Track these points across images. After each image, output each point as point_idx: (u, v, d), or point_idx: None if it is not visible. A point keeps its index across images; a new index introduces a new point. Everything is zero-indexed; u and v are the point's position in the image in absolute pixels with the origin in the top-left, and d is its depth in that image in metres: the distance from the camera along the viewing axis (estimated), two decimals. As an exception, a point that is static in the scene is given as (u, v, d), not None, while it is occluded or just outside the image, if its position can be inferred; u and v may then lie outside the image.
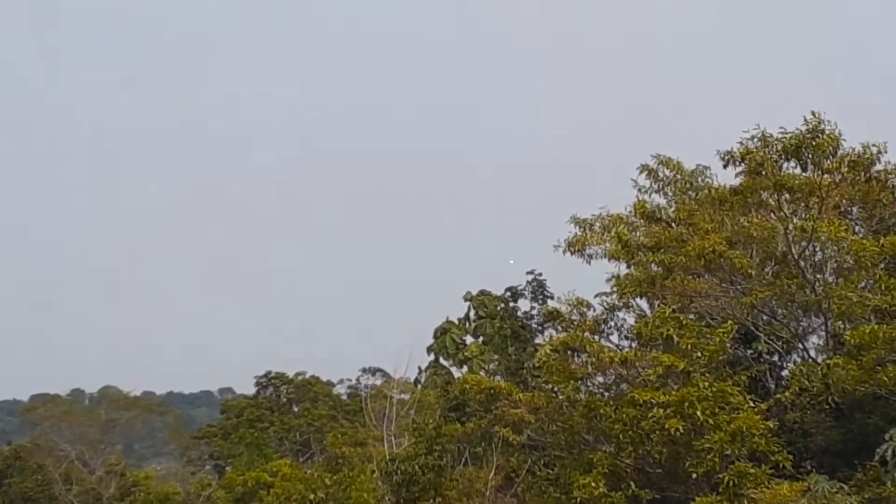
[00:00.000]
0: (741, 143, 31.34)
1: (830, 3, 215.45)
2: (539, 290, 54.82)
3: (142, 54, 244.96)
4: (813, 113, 30.50)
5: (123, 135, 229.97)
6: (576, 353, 31.09)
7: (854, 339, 27.88)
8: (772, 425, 27.11)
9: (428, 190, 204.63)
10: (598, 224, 35.78)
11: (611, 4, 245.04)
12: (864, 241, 29.92)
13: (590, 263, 35.51)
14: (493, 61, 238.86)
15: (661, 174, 36.31)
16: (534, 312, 54.08)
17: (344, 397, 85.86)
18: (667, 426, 27.03)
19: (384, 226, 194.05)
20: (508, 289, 57.66)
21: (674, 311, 29.77)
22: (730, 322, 29.38)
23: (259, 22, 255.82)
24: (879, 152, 31.71)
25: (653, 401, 27.47)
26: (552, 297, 51.34)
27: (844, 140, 30.84)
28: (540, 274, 54.75)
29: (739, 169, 32.34)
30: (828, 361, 28.73)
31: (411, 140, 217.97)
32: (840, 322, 30.23)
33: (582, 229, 35.82)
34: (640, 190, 36.14)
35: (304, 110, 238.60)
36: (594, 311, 34.32)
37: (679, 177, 36.28)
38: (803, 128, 30.55)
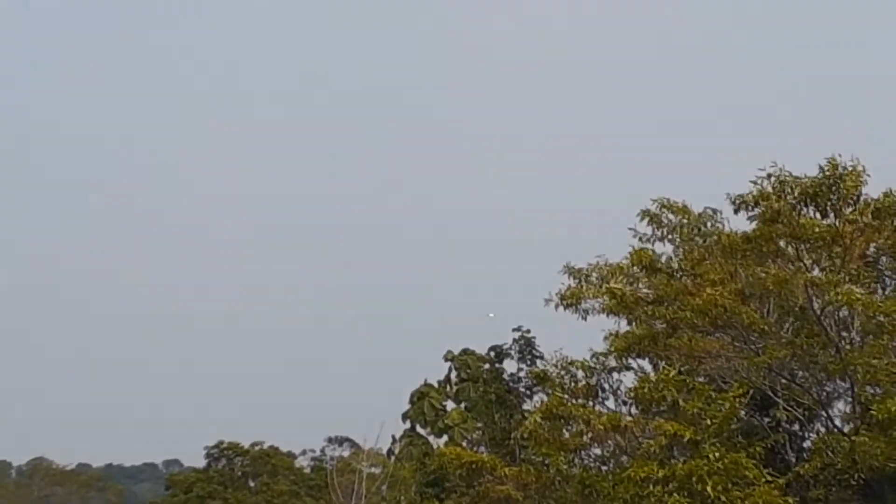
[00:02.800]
0: (756, 182, 31.27)
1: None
2: (527, 348, 54.67)
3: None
4: (829, 160, 30.62)
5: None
6: (567, 422, 30.76)
7: (881, 415, 27.71)
8: (792, 502, 26.83)
9: (403, 235, 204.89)
10: (594, 275, 35.55)
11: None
12: (883, 303, 29.75)
13: (585, 319, 35.31)
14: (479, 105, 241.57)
15: (664, 220, 36.21)
16: (521, 374, 53.89)
17: (307, 470, 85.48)
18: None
19: (354, 277, 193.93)
20: (492, 348, 57.47)
21: (680, 372, 29.52)
22: (736, 384, 29.15)
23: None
24: None
25: (650, 476, 27.17)
26: (541, 357, 51.15)
27: (869, 176, 30.90)
28: (528, 331, 54.64)
29: (753, 213, 32.23)
30: (853, 438, 28.50)
31: (385, 183, 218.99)
32: (868, 387, 30.02)
33: (577, 280, 35.61)
34: (640, 238, 36.02)
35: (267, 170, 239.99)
36: (588, 372, 34.05)
37: (686, 222, 36.18)
38: (819, 174, 30.64)
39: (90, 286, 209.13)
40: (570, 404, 30.57)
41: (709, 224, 36.22)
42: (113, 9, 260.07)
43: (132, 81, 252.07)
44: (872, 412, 28.04)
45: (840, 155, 30.55)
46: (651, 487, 26.85)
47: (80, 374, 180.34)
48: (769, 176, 31.05)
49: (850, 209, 30.89)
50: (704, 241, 35.32)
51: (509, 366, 55.83)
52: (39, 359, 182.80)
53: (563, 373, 33.44)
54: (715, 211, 36.16)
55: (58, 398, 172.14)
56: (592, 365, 33.74)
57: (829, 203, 30.71)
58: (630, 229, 35.98)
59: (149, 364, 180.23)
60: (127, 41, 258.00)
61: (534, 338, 54.40)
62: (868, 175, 30.98)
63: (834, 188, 30.52)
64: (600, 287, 34.98)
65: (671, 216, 36.20)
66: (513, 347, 55.49)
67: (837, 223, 30.62)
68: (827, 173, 30.46)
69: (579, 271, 35.66)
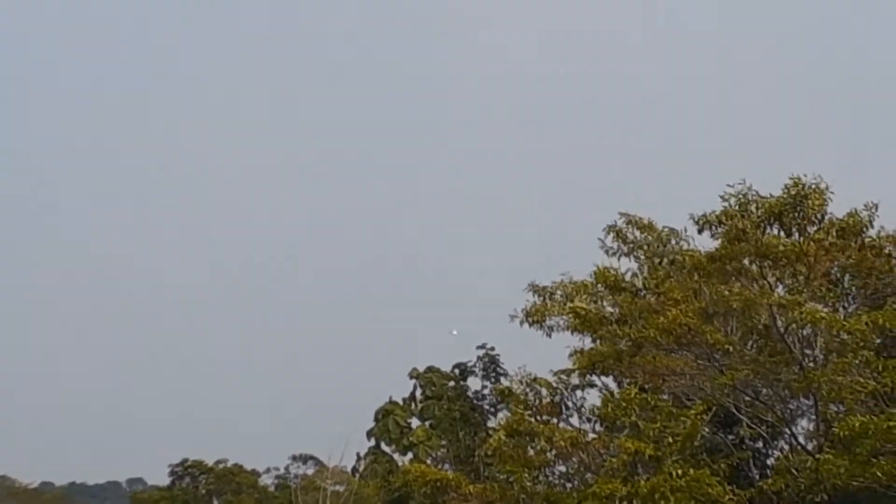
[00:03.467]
0: (723, 198, 31.49)
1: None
2: (491, 366, 54.67)
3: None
4: (793, 179, 30.81)
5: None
6: (532, 439, 30.69)
7: (843, 432, 27.77)
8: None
9: (369, 251, 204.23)
10: (559, 292, 35.57)
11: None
12: (847, 321, 29.87)
13: (550, 336, 35.31)
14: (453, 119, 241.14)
15: (629, 236, 36.30)
16: (486, 392, 53.82)
17: (271, 489, 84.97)
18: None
19: (318, 294, 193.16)
20: (457, 365, 57.44)
21: (643, 390, 29.51)
22: (698, 403, 29.19)
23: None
24: (871, 218, 31.93)
25: (616, 493, 27.15)
26: (505, 375, 51.22)
27: (833, 193, 31.17)
28: (492, 348, 54.65)
29: (717, 232, 32.36)
30: (818, 456, 28.51)
31: (349, 198, 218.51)
32: (832, 405, 30.10)
33: (541, 298, 35.62)
34: (607, 252, 36.08)
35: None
36: (551, 390, 33.98)
37: (650, 239, 36.28)
38: (784, 193, 30.84)
39: (53, 301, 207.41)
40: (532, 421, 30.50)
41: (673, 242, 36.28)
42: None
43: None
44: (835, 429, 28.11)
45: (805, 175, 30.81)
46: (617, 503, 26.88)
47: (42, 392, 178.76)
48: (736, 194, 31.29)
49: (815, 228, 31.08)
50: (665, 260, 35.38)
51: (473, 383, 55.87)
52: (0, 376, 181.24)
53: (527, 389, 33.34)
54: (673, 230, 36.22)
55: (20, 416, 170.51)
56: (556, 384, 33.66)
57: (793, 222, 30.87)
58: (599, 240, 36.08)
59: (111, 381, 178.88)
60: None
61: (498, 355, 54.45)
62: (832, 193, 31.28)
63: (799, 207, 30.69)
64: (564, 304, 34.98)
65: (636, 233, 36.30)
66: (477, 365, 55.47)
67: (802, 242, 30.73)
68: (791, 192, 30.62)
69: (544, 289, 35.67)
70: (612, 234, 36.00)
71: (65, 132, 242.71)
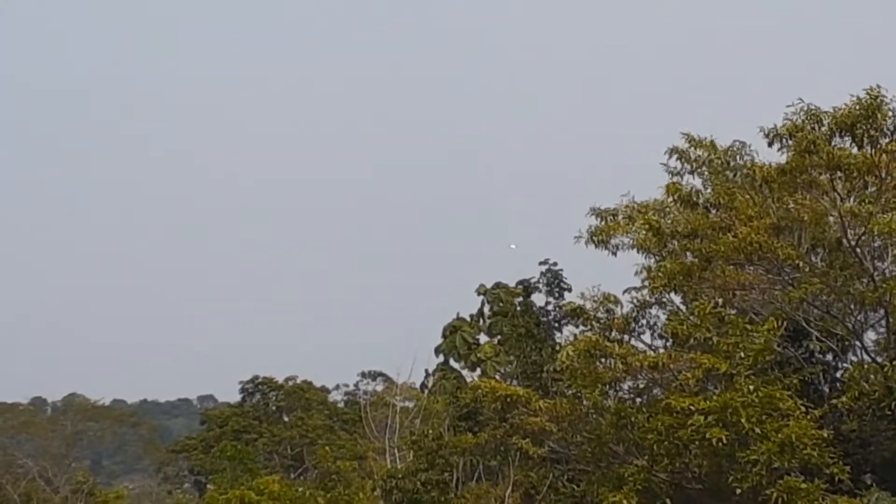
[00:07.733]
0: (787, 118, 31.16)
1: None
2: (555, 282, 54.49)
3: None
4: (869, 91, 30.33)
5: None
6: (604, 356, 30.69)
7: None
8: (826, 434, 26.78)
9: (435, 174, 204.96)
10: (621, 213, 35.56)
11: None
12: None
13: (615, 255, 35.36)
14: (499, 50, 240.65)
15: (692, 155, 36.16)
16: (549, 308, 53.75)
17: (341, 405, 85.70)
18: (708, 436, 26.72)
19: (388, 212, 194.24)
20: (521, 282, 57.42)
21: (715, 306, 29.42)
22: (771, 318, 29.05)
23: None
24: None
25: (692, 407, 27.14)
26: (569, 290, 51.24)
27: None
28: (555, 264, 54.47)
29: (786, 145, 32.03)
30: (893, 362, 28.37)
31: (415, 123, 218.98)
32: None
33: (603, 220, 35.62)
34: (670, 174, 35.97)
35: (306, 100, 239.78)
36: (622, 307, 33.98)
37: (713, 157, 36.09)
38: (856, 104, 30.40)
39: (123, 222, 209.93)
40: (606, 343, 30.43)
41: (738, 158, 36.08)
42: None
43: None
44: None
45: (879, 86, 30.32)
46: (693, 418, 26.82)
47: (114, 311, 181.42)
48: (799, 111, 30.92)
49: (887, 140, 30.64)
50: (734, 175, 35.17)
51: (537, 299, 55.82)
52: (74, 295, 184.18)
53: (599, 307, 33.32)
54: (743, 144, 35.97)
55: (92, 334, 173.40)
56: (630, 302, 33.66)
57: (865, 133, 30.42)
58: (661, 164, 35.97)
59: (182, 300, 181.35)
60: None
61: (561, 270, 54.28)
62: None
63: (871, 118, 30.23)
64: (629, 224, 34.95)
65: (699, 152, 36.14)
66: (540, 281, 55.38)
67: (873, 153, 30.33)
68: (864, 104, 30.14)
69: (606, 211, 35.66)
70: (674, 156, 35.90)
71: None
